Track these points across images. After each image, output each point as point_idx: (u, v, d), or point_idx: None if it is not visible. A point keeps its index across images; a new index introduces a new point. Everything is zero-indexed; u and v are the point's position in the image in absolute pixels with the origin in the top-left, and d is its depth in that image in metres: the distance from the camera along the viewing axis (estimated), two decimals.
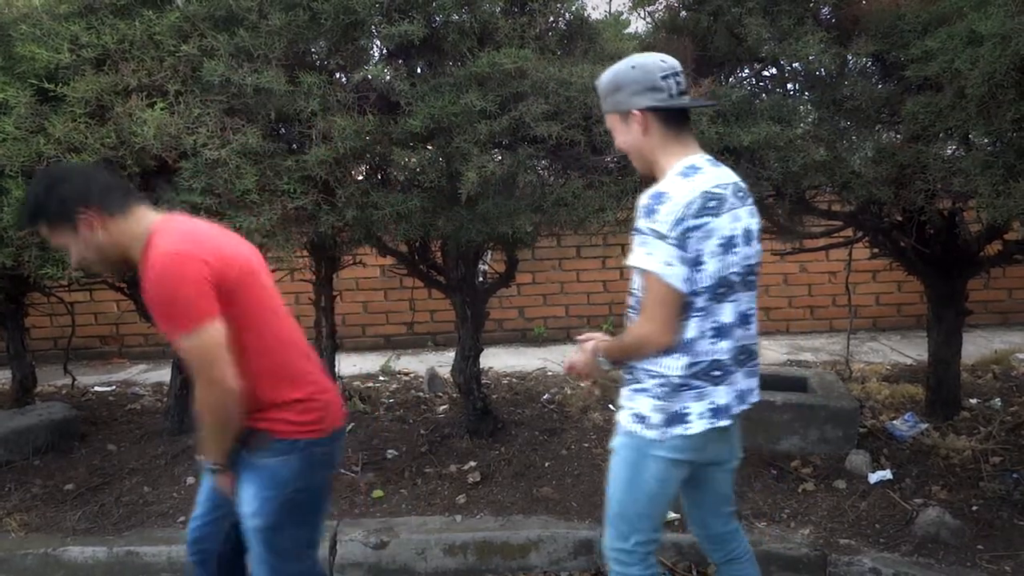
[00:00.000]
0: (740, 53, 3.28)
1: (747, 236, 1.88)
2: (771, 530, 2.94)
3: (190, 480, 3.47)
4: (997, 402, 4.08)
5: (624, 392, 1.92)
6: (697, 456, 1.89)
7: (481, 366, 3.90)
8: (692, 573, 2.82)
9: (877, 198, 3.04)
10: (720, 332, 1.84)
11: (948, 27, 2.72)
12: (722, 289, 1.82)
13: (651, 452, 1.86)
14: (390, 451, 3.74)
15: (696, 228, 1.75)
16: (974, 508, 3.01)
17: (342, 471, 3.50)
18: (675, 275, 1.75)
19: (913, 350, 5.42)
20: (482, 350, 3.84)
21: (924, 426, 3.70)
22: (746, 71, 3.51)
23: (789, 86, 3.44)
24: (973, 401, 4.07)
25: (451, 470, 3.50)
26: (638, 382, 1.88)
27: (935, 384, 3.84)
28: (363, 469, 3.54)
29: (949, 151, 3.06)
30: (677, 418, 1.83)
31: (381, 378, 5.26)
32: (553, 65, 2.86)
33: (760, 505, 3.11)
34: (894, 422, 3.78)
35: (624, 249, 1.96)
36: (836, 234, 4.15)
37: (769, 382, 3.80)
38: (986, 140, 2.84)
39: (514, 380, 5.03)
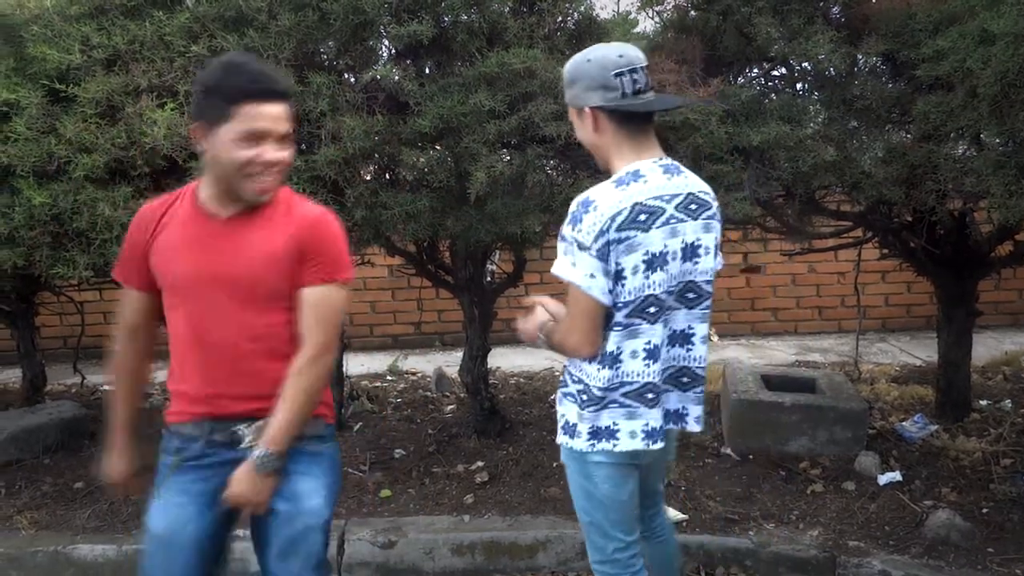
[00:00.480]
0: (749, 52, 3.27)
1: (690, 252, 1.76)
2: (780, 531, 2.93)
3: None
4: (1008, 404, 4.06)
5: (557, 394, 1.90)
6: (632, 461, 1.85)
7: (489, 366, 3.90)
8: (700, 574, 2.81)
9: (887, 198, 3.03)
10: (652, 354, 1.75)
11: (959, 26, 2.70)
12: (652, 308, 1.72)
13: (588, 460, 1.83)
14: (398, 451, 3.75)
15: (619, 241, 1.66)
16: (984, 510, 2.99)
17: (350, 470, 3.51)
18: (597, 287, 1.68)
19: (923, 351, 5.39)
20: (490, 350, 3.83)
21: (934, 428, 3.68)
22: (755, 71, 3.50)
23: (799, 86, 3.43)
24: (983, 403, 4.05)
25: (459, 470, 3.50)
26: (566, 385, 1.86)
27: (945, 385, 3.82)
28: (371, 468, 3.54)
29: (960, 151, 3.04)
30: (605, 433, 1.78)
31: (389, 378, 5.27)
32: (562, 65, 2.84)
33: (768, 506, 3.10)
34: (903, 423, 3.76)
35: None
36: (845, 234, 4.14)
37: (777, 383, 3.81)
38: (998, 140, 2.82)
39: (522, 380, 5.03)
